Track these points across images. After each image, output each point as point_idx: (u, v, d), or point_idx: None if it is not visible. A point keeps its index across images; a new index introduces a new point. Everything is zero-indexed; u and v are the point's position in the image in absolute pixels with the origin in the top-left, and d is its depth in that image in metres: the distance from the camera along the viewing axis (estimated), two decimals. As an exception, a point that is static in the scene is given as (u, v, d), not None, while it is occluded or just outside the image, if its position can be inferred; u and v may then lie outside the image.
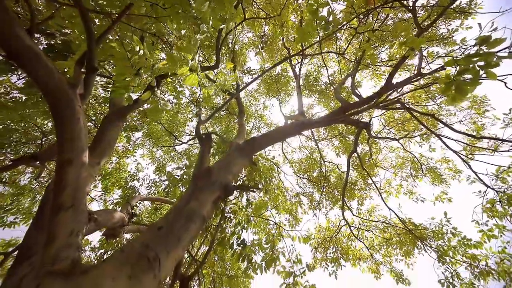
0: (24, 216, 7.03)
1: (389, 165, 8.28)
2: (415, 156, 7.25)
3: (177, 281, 2.50)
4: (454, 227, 5.62)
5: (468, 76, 2.04)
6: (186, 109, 9.50)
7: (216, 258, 5.61)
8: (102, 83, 7.32)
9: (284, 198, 6.78)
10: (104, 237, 3.94)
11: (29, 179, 8.00)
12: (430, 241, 5.99)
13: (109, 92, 4.72)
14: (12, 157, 6.70)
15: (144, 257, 1.68)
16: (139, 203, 5.94)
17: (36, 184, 8.07)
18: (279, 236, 5.66)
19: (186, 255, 4.30)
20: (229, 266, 5.51)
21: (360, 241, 7.59)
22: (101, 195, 7.54)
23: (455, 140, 5.01)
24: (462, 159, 4.68)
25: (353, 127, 7.57)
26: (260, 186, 4.40)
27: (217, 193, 2.59)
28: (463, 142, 4.74)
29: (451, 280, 5.23)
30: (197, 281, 4.90)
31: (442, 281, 5.34)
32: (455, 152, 4.82)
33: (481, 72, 1.96)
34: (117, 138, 3.25)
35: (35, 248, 1.73)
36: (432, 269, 5.64)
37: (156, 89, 2.78)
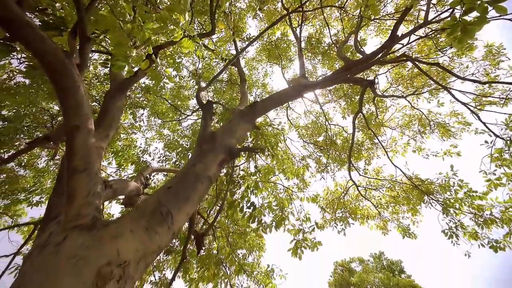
0: (48, 196, 7.50)
1: (396, 124, 8.18)
2: (423, 113, 7.11)
3: (192, 237, 2.72)
4: (460, 179, 5.67)
5: (475, 14, 1.93)
6: (187, 85, 9.41)
7: (228, 222, 5.95)
8: (101, 61, 7.26)
9: (291, 163, 6.91)
10: (124, 206, 4.21)
11: (45, 162, 8.39)
12: (436, 195, 6.12)
13: (109, 68, 4.71)
14: (26, 141, 6.98)
15: (158, 212, 1.82)
16: (152, 175, 6.20)
17: (53, 165, 8.46)
18: (288, 199, 5.90)
19: (199, 218, 4.57)
20: (241, 227, 5.84)
21: (368, 200, 7.82)
22: (116, 171, 7.87)
23: (464, 92, 4.87)
24: (471, 110, 4.58)
25: (358, 87, 7.38)
26: (265, 151, 4.49)
27: (222, 156, 2.69)
28: (471, 93, 4.60)
29: (454, 230, 5.42)
30: (212, 236, 5.27)
31: (446, 231, 5.55)
32: (463, 104, 4.71)
33: (490, 8, 1.85)
34: (121, 111, 3.32)
35: (59, 211, 1.90)
36: (437, 222, 5.84)
37: (154, 58, 2.76)
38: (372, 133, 6.75)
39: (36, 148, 8.29)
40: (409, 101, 6.84)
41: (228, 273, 5.52)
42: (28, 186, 7.84)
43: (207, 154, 2.58)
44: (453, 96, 4.59)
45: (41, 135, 7.17)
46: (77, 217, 1.59)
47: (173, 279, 2.67)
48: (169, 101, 8.13)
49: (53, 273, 1.26)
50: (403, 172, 6.24)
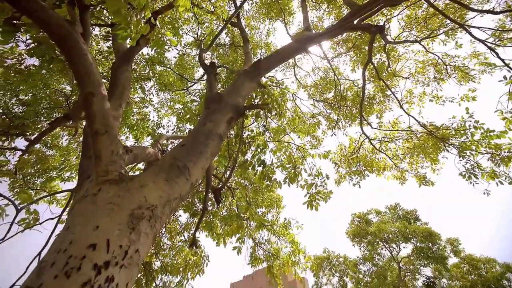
0: (76, 171, 8.10)
1: (409, 74, 7.78)
2: (439, 57, 6.70)
3: (210, 192, 2.97)
4: (476, 121, 5.52)
5: None
6: (190, 56, 9.21)
7: (245, 182, 6.27)
8: (102, 36, 7.21)
9: (301, 122, 6.93)
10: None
11: (67, 140, 8.91)
12: (452, 140, 6.03)
13: (111, 40, 4.71)
14: (47, 123, 7.37)
15: (175, 166, 2.01)
16: (168, 142, 6.47)
17: (75, 144, 8.98)
18: (300, 158, 6.06)
19: (215, 179, 4.86)
20: (257, 185, 6.16)
21: (383, 153, 7.84)
22: (134, 144, 8.25)
23: (483, 29, 4.53)
24: (488, 46, 4.30)
25: (368, 36, 6.95)
26: (273, 110, 4.53)
27: (229, 114, 2.79)
28: (490, 29, 4.26)
29: (472, 171, 5.44)
30: (231, 197, 5.64)
31: (464, 173, 5.58)
32: (480, 41, 4.41)
33: None
34: (130, 81, 3.42)
35: (90, 172, 2.13)
36: (449, 170, 5.84)
37: (153, 20, 2.76)
38: (384, 84, 6.53)
39: (57, 129, 8.76)
40: (423, 46, 6.42)
41: (250, 226, 5.99)
42: (58, 164, 8.47)
43: (215, 113, 2.68)
44: (470, 33, 4.29)
45: (59, 116, 7.53)
46: (106, 173, 1.80)
47: (197, 227, 3.00)
48: (174, 70, 8.11)
49: (94, 216, 1.49)
50: (417, 121, 6.14)
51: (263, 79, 5.41)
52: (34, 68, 5.92)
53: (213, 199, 3.63)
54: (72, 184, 8.58)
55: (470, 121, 5.82)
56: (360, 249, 13.25)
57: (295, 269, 6.77)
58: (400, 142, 7.44)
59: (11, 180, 7.68)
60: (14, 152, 8.10)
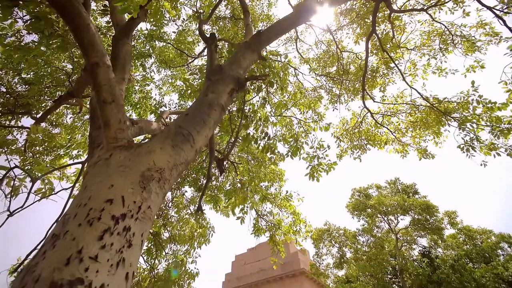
0: (84, 149, 8.31)
1: (414, 46, 7.55)
2: (445, 27, 6.48)
3: (214, 162, 3.10)
4: (480, 95, 5.49)
5: None
6: (190, 31, 8.96)
7: (245, 155, 6.42)
8: (99, 11, 7.04)
9: (303, 96, 6.92)
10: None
11: (71, 119, 9.04)
12: (454, 114, 6.02)
13: (109, 14, 4.63)
14: (51, 101, 7.45)
15: (180, 133, 2.11)
16: (169, 119, 6.57)
17: (80, 122, 9.12)
18: (302, 132, 6.14)
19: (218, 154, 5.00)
20: (260, 159, 6.31)
21: (384, 127, 7.87)
22: (138, 121, 8.33)
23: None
24: (496, 14, 4.16)
25: (372, 5, 6.69)
26: (274, 84, 4.54)
27: (231, 85, 2.84)
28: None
29: (470, 144, 5.51)
30: (234, 172, 5.83)
31: (462, 146, 5.65)
32: (488, 8, 4.26)
33: None
34: (131, 55, 3.44)
35: (100, 140, 2.25)
36: (450, 144, 5.89)
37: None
38: (388, 56, 6.41)
39: (62, 108, 8.85)
40: (430, 15, 6.20)
41: (254, 199, 6.24)
42: (65, 142, 8.67)
43: (216, 84, 2.74)
44: (478, 0, 4.14)
45: (62, 94, 7.58)
46: (115, 140, 1.91)
47: (202, 194, 3.18)
48: (174, 46, 7.98)
49: (108, 177, 1.63)
50: (419, 94, 6.10)
51: (264, 52, 5.34)
52: (33, 44, 5.88)
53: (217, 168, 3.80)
54: (80, 160, 8.83)
55: (474, 95, 5.78)
56: (360, 221, 13.76)
57: (296, 238, 7.12)
58: (403, 116, 7.44)
59: (21, 158, 7.93)
60: (22, 131, 8.28)
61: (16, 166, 2.92)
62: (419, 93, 5.98)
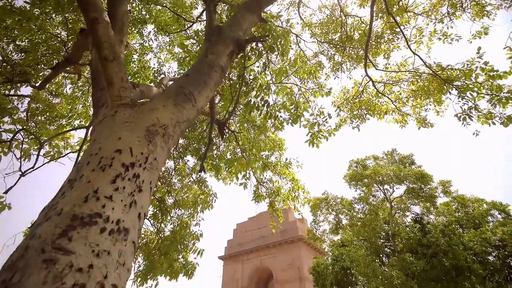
0: (86, 119, 8.37)
1: (422, 11, 7.20)
2: (456, -12, 6.14)
3: (215, 125, 3.18)
4: (485, 62, 5.38)
5: None
6: None
7: (246, 125, 6.49)
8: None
9: (304, 63, 6.79)
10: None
11: (71, 89, 8.98)
12: (456, 82, 5.95)
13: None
14: (48, 70, 7.34)
15: (181, 93, 2.17)
16: (169, 84, 6.55)
17: (79, 92, 9.07)
18: (302, 98, 6.13)
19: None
20: (261, 125, 6.37)
21: (386, 96, 7.83)
22: (137, 91, 8.29)
23: None
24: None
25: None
26: (275, 49, 4.45)
27: (230, 47, 2.81)
28: None
29: (468, 112, 5.53)
30: (235, 142, 5.94)
31: (459, 114, 5.68)
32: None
33: None
34: (127, 16, 3.35)
35: (103, 100, 2.31)
36: (448, 114, 5.90)
37: None
38: (393, 20, 6.17)
39: (60, 78, 8.76)
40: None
41: (256, 165, 6.42)
42: (66, 112, 8.71)
43: (216, 45, 2.72)
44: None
45: (59, 61, 7.45)
46: (119, 98, 1.97)
47: (204, 156, 3.31)
48: (170, 9, 7.67)
49: (115, 131, 1.72)
50: (423, 61, 5.98)
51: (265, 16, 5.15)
52: (26, 7, 5.67)
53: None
54: (82, 132, 8.94)
55: (478, 62, 5.66)
56: (356, 191, 14.21)
57: (295, 204, 7.45)
58: (405, 85, 7.36)
59: (24, 127, 8.01)
60: (22, 100, 8.28)
61: (23, 129, 3.01)
62: (422, 60, 5.86)
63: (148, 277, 5.29)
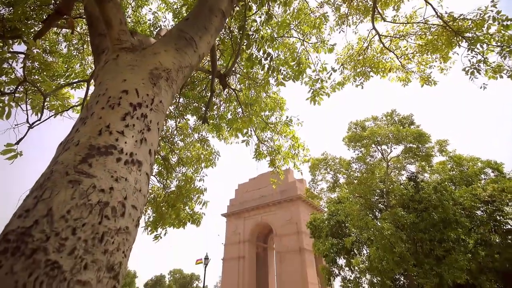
0: (84, 78, 8.20)
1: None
2: None
3: (216, 78, 3.16)
4: (498, 11, 5.07)
5: None
6: None
7: (247, 83, 6.39)
8: None
9: (306, 15, 6.41)
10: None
11: (66, 47, 8.65)
12: (467, 34, 5.69)
13: None
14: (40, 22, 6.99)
15: (182, 37, 2.12)
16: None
17: (76, 51, 8.75)
18: (305, 53, 5.93)
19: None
20: (263, 80, 6.28)
21: (391, 51, 7.55)
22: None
23: None
24: None
25: None
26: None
27: (231, -10, 2.66)
28: None
29: (476, 66, 5.39)
30: (236, 102, 5.93)
31: (467, 68, 5.54)
32: None
33: None
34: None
35: (103, 46, 2.27)
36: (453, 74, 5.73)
37: None
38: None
39: (55, 36, 8.39)
40: None
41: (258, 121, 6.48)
42: (63, 72, 8.51)
43: (216, -12, 2.57)
44: None
45: (50, 14, 7.05)
46: (119, 42, 1.94)
47: (207, 107, 3.36)
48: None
49: (119, 73, 1.74)
50: (435, 10, 5.65)
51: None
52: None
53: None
54: (81, 91, 8.84)
55: (492, 11, 5.34)
56: (355, 152, 14.48)
57: (295, 161, 7.68)
58: (412, 39, 7.04)
59: (23, 87, 7.91)
60: (17, 59, 8.04)
61: (25, 80, 3.01)
62: (434, 10, 5.52)
63: (158, 225, 5.72)
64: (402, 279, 18.16)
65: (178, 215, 5.78)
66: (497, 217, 12.20)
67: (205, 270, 20.35)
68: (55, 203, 1.06)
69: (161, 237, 5.96)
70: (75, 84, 8.71)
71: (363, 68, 7.82)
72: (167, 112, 7.56)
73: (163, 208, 6.23)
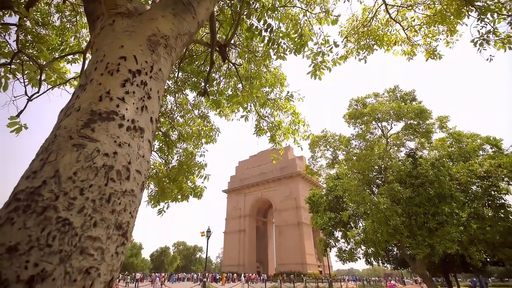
0: (76, 51, 7.96)
1: None
2: None
3: (216, 48, 3.07)
4: (512, -23, 4.80)
5: None
6: None
7: (247, 56, 6.22)
8: None
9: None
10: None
11: (59, 19, 8.30)
12: (477, 3, 5.42)
13: None
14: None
15: (179, 2, 2.03)
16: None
17: (69, 24, 8.41)
18: (308, 24, 5.71)
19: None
20: (263, 54, 6.12)
21: (398, 23, 7.26)
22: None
23: None
24: None
25: None
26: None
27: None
28: None
29: (485, 37, 5.21)
30: (236, 77, 5.81)
31: (476, 39, 5.35)
32: None
33: None
34: None
35: (98, 13, 2.18)
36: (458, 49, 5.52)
37: None
38: None
39: (46, 6, 8.02)
40: None
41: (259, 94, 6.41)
42: (57, 45, 8.24)
43: None
44: None
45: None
46: (115, 6, 1.87)
47: (207, 79, 3.30)
48: None
49: (116, 39, 1.68)
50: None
51: None
52: None
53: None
54: (78, 66, 8.63)
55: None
56: (355, 129, 14.45)
57: (295, 137, 7.70)
58: (420, 9, 6.74)
59: (17, 61, 7.71)
60: (9, 32, 7.75)
61: (20, 51, 2.94)
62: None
63: (160, 199, 5.88)
64: (395, 250, 19.06)
65: (180, 189, 5.92)
66: (492, 192, 12.50)
67: (207, 242, 21.27)
68: (61, 165, 1.09)
69: (164, 211, 6.15)
70: (71, 59, 8.49)
71: (367, 41, 7.56)
72: (166, 87, 7.43)
73: (165, 183, 6.36)
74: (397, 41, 7.78)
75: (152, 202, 6.33)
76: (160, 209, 6.30)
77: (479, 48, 5.18)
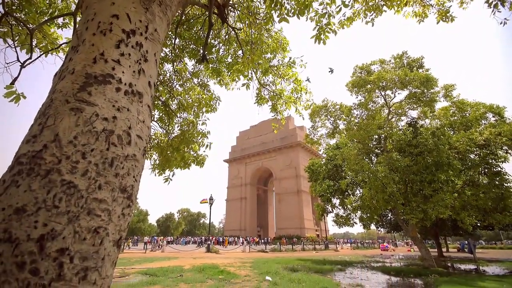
0: (69, 16, 7.50)
1: None
2: None
3: (215, 8, 2.86)
4: None
5: None
6: None
7: (247, 20, 5.86)
8: None
9: None
10: None
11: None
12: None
13: None
14: None
15: (173, -47, 1.84)
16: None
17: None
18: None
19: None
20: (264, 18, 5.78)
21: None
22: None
23: None
24: None
25: None
26: None
27: None
28: None
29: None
30: (236, 43, 5.53)
31: (491, 0, 5.00)
32: None
33: None
34: None
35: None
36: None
37: None
38: None
39: None
40: None
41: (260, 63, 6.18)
42: (45, 8, 7.74)
43: None
44: None
45: None
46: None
47: (205, 43, 3.15)
48: None
49: (107, -5, 1.56)
50: None
51: None
52: None
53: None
54: (68, 30, 8.20)
55: None
56: (357, 97, 14.13)
57: (296, 106, 7.59)
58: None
59: (6, 26, 7.32)
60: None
61: (7, 13, 2.76)
62: None
63: (165, 168, 5.98)
64: (389, 215, 19.92)
65: (182, 157, 6.00)
66: (489, 160, 12.64)
67: (210, 209, 22.20)
68: (60, 129, 1.07)
69: (171, 179, 6.29)
70: (61, 23, 8.04)
71: (376, 1, 7.06)
72: (163, 55, 7.18)
73: (168, 152, 6.42)
74: (408, 1, 7.26)
75: (157, 170, 6.46)
76: (166, 177, 6.43)
77: (493, 10, 4.83)
